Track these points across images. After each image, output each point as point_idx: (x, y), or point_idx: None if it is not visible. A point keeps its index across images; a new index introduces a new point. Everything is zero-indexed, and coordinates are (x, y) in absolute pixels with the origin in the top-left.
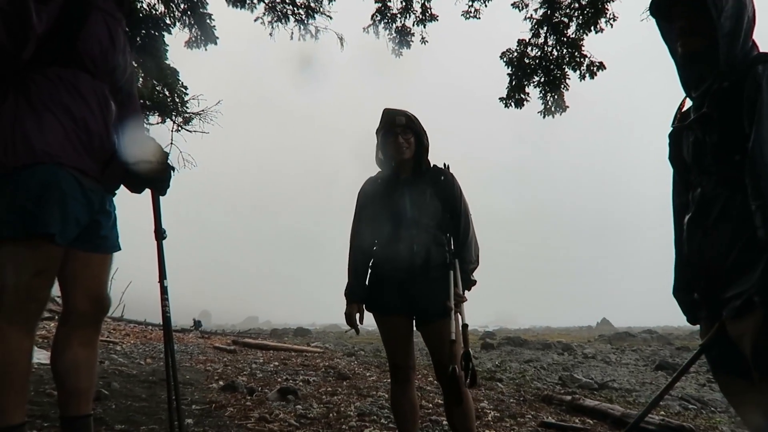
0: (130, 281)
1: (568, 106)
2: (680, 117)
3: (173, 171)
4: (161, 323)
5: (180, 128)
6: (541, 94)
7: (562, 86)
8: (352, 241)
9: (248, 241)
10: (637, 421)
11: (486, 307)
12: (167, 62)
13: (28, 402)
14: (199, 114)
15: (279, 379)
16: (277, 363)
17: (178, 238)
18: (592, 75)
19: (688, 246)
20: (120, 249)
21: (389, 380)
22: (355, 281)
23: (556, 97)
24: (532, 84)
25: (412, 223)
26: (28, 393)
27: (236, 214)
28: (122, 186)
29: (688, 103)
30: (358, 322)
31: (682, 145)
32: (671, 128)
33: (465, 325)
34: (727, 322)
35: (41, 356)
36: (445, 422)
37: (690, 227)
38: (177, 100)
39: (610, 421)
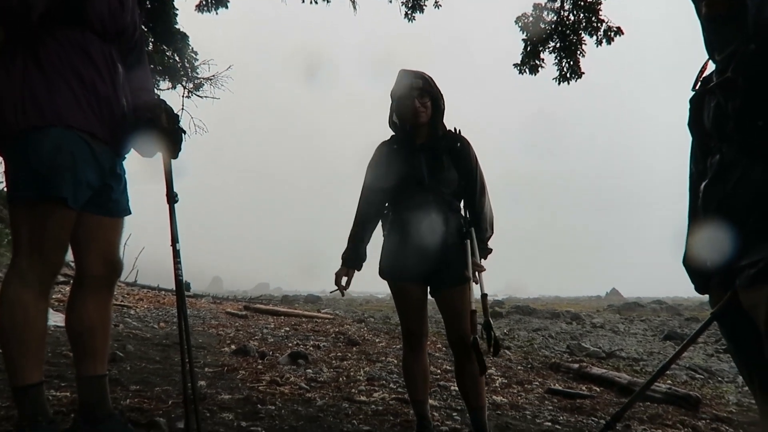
0: (143, 247)
1: (583, 73)
2: (702, 81)
3: (184, 134)
4: (174, 287)
5: (191, 94)
6: (556, 60)
7: (578, 52)
8: (359, 205)
9: (260, 208)
10: (643, 388)
11: (495, 275)
12: (177, 26)
13: (45, 362)
14: (210, 79)
15: (290, 344)
16: (287, 328)
17: (190, 204)
18: (609, 41)
19: (704, 213)
20: (131, 213)
21: (399, 346)
22: (353, 246)
23: (571, 63)
24: (547, 50)
25: (428, 190)
26: (45, 354)
27: (247, 180)
28: (133, 150)
29: (711, 67)
30: (344, 285)
31: (702, 111)
32: (692, 93)
33: (484, 295)
34: (740, 291)
35: (57, 319)
36: (453, 387)
37: (706, 194)
38: (187, 65)
39: (617, 388)
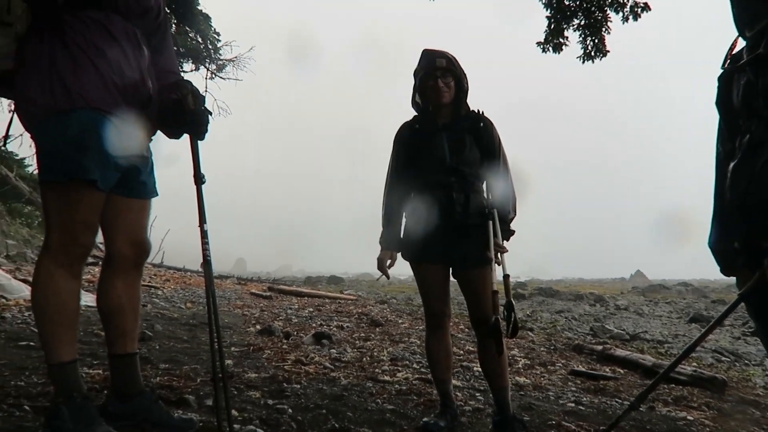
0: (168, 229)
1: (608, 51)
2: (731, 58)
3: (210, 115)
4: (199, 268)
5: (214, 75)
6: (580, 38)
7: (604, 29)
8: (387, 188)
9: (282, 190)
10: (669, 369)
11: (518, 257)
12: (199, 7)
13: (78, 341)
14: (233, 61)
15: (313, 325)
16: (311, 309)
17: (212, 185)
18: (636, 17)
19: (731, 194)
20: (158, 194)
21: (421, 327)
22: (388, 229)
23: (596, 41)
24: (571, 27)
25: (451, 171)
26: (78, 333)
27: (270, 161)
28: (159, 132)
29: (740, 44)
30: (388, 269)
31: (731, 89)
32: (721, 70)
33: (506, 276)
34: None
35: (88, 299)
36: (476, 368)
37: (734, 174)
38: (210, 47)
39: (641, 370)
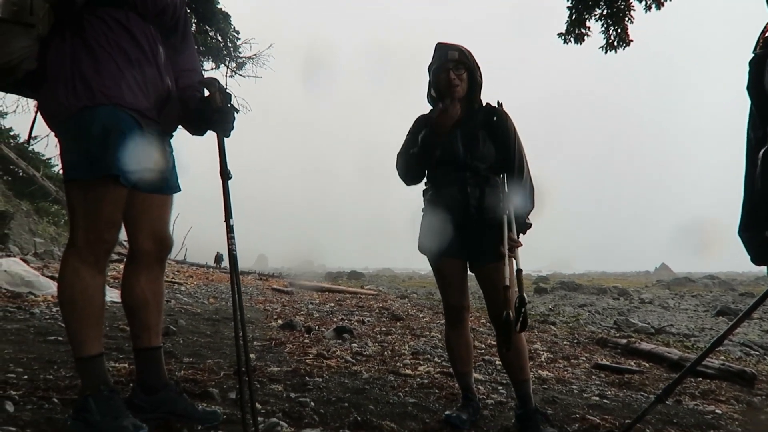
0: (190, 226)
1: (632, 40)
2: (763, 43)
3: (237, 112)
4: (213, 263)
5: (234, 73)
6: (603, 28)
7: (627, 19)
8: (400, 168)
9: (303, 186)
10: (697, 361)
11: (540, 251)
12: (218, 6)
13: (104, 336)
14: (252, 58)
15: (335, 319)
16: (332, 304)
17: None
18: (659, 5)
19: (763, 181)
20: (180, 190)
21: (442, 321)
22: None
23: (619, 30)
24: (593, 17)
25: (465, 165)
26: (104, 327)
27: (292, 158)
28: (181, 128)
29: None
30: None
31: (763, 74)
32: (752, 55)
33: (519, 270)
34: None
35: (113, 295)
36: (498, 362)
37: (765, 161)
38: (229, 44)
39: (667, 364)
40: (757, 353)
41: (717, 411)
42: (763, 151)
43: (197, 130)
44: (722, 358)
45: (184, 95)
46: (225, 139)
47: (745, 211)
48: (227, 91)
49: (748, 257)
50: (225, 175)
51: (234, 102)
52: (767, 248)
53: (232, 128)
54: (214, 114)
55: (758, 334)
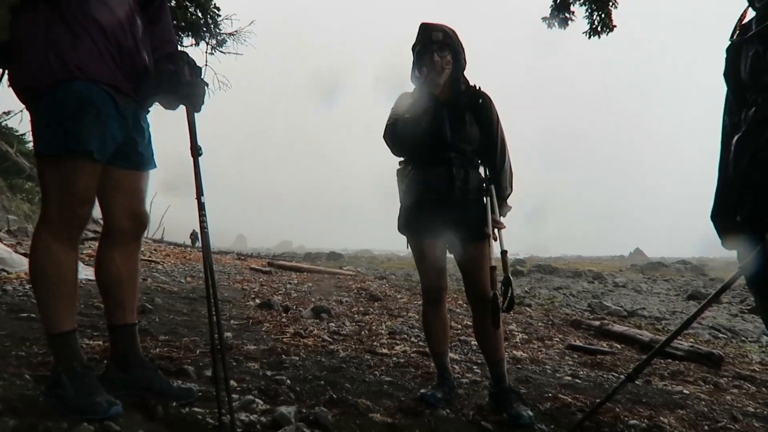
0: (168, 206)
1: (615, 26)
2: (740, 29)
3: (207, 87)
4: (188, 240)
5: (214, 50)
6: (587, 13)
7: (611, 3)
8: (393, 135)
9: (283, 167)
10: (667, 341)
11: (517, 235)
12: None
13: (78, 314)
14: (233, 35)
15: (312, 299)
16: (310, 284)
17: (214, 162)
18: None
19: (735, 167)
20: (155, 166)
21: (420, 302)
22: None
23: (602, 15)
24: (577, 2)
25: (450, 147)
26: (78, 304)
27: (269, 138)
28: (158, 105)
29: (750, 15)
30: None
31: (740, 61)
32: (729, 42)
33: (504, 251)
34: None
35: (88, 273)
36: (474, 342)
37: (739, 147)
38: (210, 21)
39: (638, 346)
40: (725, 336)
41: (685, 391)
42: (737, 137)
43: (168, 104)
44: (691, 340)
45: (157, 68)
46: (195, 114)
47: (718, 196)
48: (198, 65)
49: (719, 241)
50: (195, 151)
51: (212, 79)
52: (738, 232)
53: (203, 103)
54: (183, 88)
55: (726, 318)
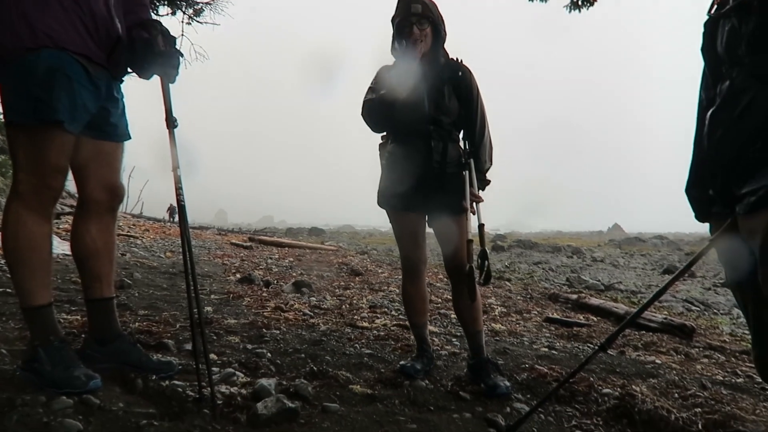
0: (147, 180)
1: (596, 0)
2: (718, 5)
3: (182, 57)
4: (165, 215)
5: (191, 20)
6: None
7: None
8: (370, 112)
9: (264, 141)
10: (640, 310)
11: (498, 210)
12: None
13: (55, 289)
14: (209, 4)
15: (294, 274)
16: (291, 259)
17: (194, 135)
18: None
19: (708, 140)
20: (130, 138)
21: (400, 276)
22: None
23: None
24: None
25: (429, 119)
26: (55, 280)
27: (251, 112)
28: (132, 73)
29: None
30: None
31: (716, 36)
32: (707, 17)
33: (481, 225)
34: (740, 218)
35: (65, 247)
36: (453, 316)
37: (712, 121)
38: None
39: (614, 318)
40: (698, 309)
41: (657, 361)
42: (711, 110)
43: (142, 73)
44: (665, 312)
45: (130, 36)
46: (170, 85)
47: (692, 170)
48: (172, 34)
49: (693, 215)
50: (171, 122)
51: (188, 51)
52: (710, 206)
53: (177, 74)
54: (157, 58)
55: (700, 292)
